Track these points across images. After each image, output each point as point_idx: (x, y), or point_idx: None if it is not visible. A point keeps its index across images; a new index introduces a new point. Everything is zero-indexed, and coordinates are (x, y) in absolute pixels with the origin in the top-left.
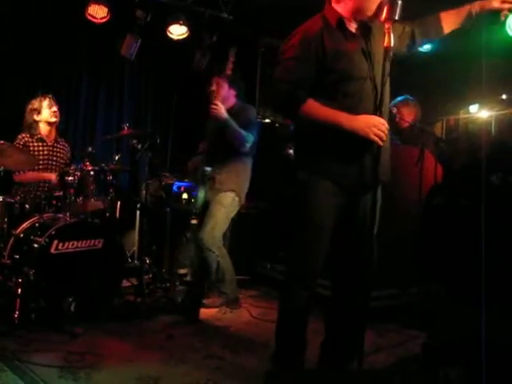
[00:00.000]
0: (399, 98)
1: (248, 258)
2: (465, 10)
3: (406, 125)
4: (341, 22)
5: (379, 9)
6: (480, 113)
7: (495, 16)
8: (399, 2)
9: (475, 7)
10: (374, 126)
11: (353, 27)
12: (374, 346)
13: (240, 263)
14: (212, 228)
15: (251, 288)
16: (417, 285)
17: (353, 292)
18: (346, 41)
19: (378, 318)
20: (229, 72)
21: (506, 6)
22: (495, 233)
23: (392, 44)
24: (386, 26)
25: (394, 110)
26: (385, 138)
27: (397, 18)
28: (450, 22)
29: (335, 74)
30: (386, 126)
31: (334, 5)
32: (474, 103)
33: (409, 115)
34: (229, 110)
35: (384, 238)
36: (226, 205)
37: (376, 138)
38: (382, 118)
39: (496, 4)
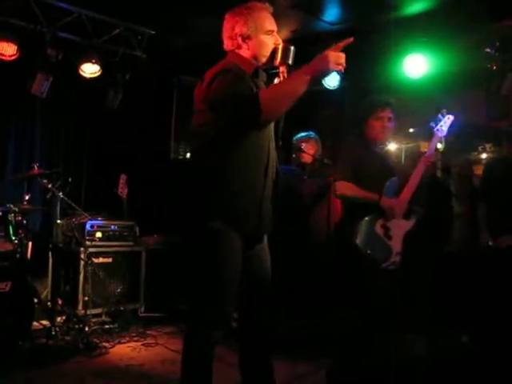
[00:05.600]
0: (302, 134)
1: (164, 295)
2: None
3: (310, 160)
4: (257, 72)
5: (273, 54)
6: (389, 145)
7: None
8: (292, 48)
9: None
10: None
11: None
12: (287, 377)
13: (157, 300)
14: None
15: (168, 325)
16: (333, 313)
17: (260, 325)
18: (257, 89)
19: (293, 348)
20: None
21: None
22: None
23: None
24: (281, 69)
25: (303, 146)
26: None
27: (290, 62)
28: None
29: None
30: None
31: (241, 53)
32: None
33: (309, 150)
34: None
35: (296, 269)
36: None
37: (339, 68)
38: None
39: None
